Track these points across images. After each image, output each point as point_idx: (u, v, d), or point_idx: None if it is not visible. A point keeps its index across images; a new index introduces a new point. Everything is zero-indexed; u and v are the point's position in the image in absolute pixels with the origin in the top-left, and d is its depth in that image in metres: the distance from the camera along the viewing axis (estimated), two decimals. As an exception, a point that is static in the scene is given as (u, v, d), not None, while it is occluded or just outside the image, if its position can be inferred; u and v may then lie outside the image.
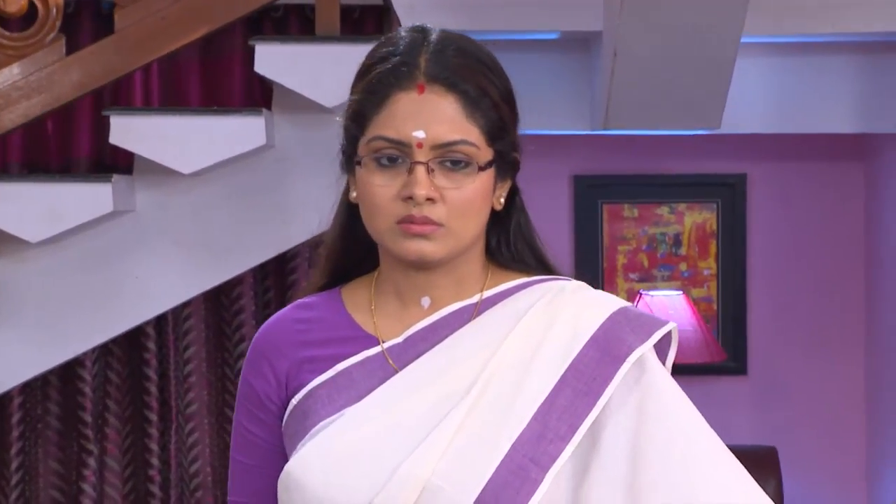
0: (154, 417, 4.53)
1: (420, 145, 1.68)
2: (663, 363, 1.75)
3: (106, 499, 4.59)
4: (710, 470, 1.69)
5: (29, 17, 3.82)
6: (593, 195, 5.15)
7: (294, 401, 1.75)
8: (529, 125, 4.39)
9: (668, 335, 1.76)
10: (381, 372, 1.74)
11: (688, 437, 1.70)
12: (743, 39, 3.76)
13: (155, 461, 4.54)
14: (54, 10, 3.80)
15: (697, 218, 5.17)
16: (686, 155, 5.13)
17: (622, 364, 1.70)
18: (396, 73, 1.70)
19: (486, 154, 1.70)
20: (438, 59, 1.70)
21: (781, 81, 4.35)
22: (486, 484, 1.65)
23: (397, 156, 1.69)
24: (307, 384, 1.75)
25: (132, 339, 4.46)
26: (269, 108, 4.05)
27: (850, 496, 5.15)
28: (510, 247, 1.79)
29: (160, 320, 4.39)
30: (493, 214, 1.75)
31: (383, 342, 1.76)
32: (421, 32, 1.74)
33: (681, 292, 4.83)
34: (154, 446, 4.54)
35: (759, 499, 1.71)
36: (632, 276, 5.16)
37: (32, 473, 4.65)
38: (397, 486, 1.65)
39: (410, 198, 1.68)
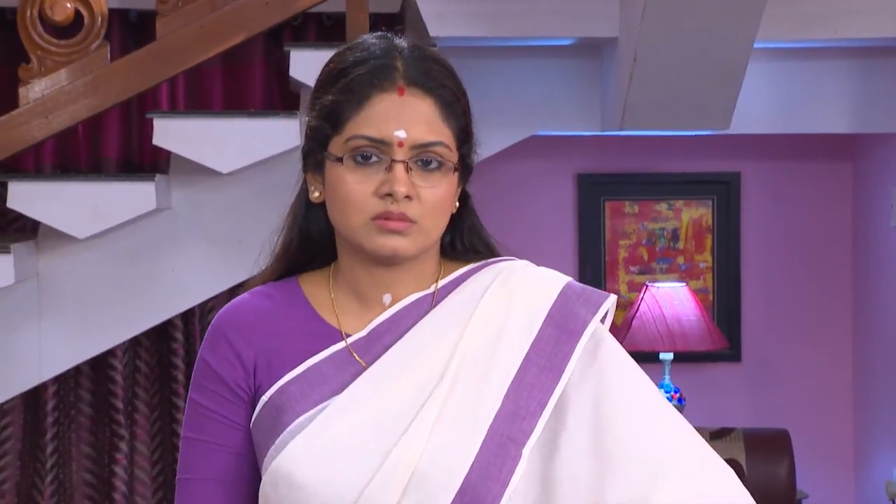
0: (181, 404, 4.62)
1: (401, 144, 1.70)
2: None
3: (136, 481, 4.68)
4: (668, 429, 1.73)
5: (75, 25, 3.89)
6: (596, 192, 5.26)
7: (265, 397, 1.74)
8: (542, 127, 4.52)
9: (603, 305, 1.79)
10: (350, 366, 1.74)
11: (645, 401, 1.75)
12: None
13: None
14: (99, 19, 3.87)
15: (694, 214, 5.29)
16: (684, 155, 5.23)
17: (580, 338, 1.75)
18: (376, 75, 1.71)
19: (455, 156, 1.74)
20: (414, 63, 1.73)
21: (777, 84, 4.43)
22: (471, 465, 1.68)
23: (375, 154, 1.71)
24: (277, 380, 1.74)
25: (160, 331, 4.54)
26: (290, 110, 4.13)
27: (838, 476, 5.24)
28: (464, 243, 1.81)
29: (186, 312, 4.46)
30: (457, 215, 1.79)
31: (347, 336, 1.76)
32: (390, 39, 1.77)
33: (684, 284, 4.93)
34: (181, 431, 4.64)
35: (710, 453, 1.74)
36: (632, 268, 5.28)
37: (66, 458, 4.73)
38: (387, 474, 1.67)
39: (389, 195, 1.69)
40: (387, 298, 1.78)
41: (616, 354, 1.78)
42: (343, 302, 1.79)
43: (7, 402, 4.54)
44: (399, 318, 1.77)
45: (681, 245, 5.27)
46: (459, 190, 1.78)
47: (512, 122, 4.35)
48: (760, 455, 3.80)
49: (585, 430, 1.72)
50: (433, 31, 4.00)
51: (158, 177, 3.96)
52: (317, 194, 1.77)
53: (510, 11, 4.05)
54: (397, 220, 1.71)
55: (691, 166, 5.25)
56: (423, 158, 1.72)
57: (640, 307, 4.83)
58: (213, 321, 1.81)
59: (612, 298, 1.81)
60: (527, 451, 1.71)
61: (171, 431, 4.66)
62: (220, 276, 4.07)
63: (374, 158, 1.71)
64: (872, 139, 5.05)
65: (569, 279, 1.82)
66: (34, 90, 3.85)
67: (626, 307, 5.09)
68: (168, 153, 4.06)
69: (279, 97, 4.68)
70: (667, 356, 4.79)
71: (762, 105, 4.43)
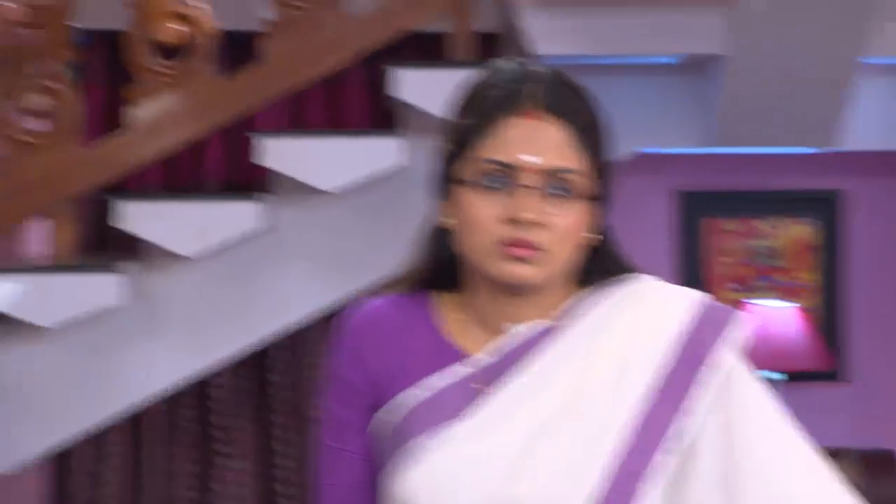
0: (279, 421, 4.63)
1: (530, 170, 1.66)
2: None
3: (236, 500, 4.70)
4: (803, 474, 1.69)
5: (181, 46, 3.90)
6: (697, 210, 5.22)
7: (386, 411, 1.73)
8: (643, 144, 4.48)
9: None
10: (471, 393, 1.71)
11: (778, 434, 1.70)
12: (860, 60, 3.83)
13: (279, 461, 4.64)
14: (205, 40, 3.89)
15: (797, 232, 5.22)
16: (786, 172, 5.18)
17: (710, 367, 1.69)
18: (510, 100, 1.69)
19: (588, 184, 1.70)
20: (550, 89, 1.69)
21: (888, 101, 4.40)
22: (589, 500, 1.64)
23: (505, 179, 1.67)
24: (398, 394, 1.73)
25: (259, 353, 4.55)
26: (388, 128, 4.14)
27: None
28: (597, 267, 1.76)
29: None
30: (592, 243, 1.73)
31: (472, 361, 1.73)
32: (525, 64, 1.74)
33: (789, 303, 4.87)
34: (279, 448, 4.65)
35: (843, 489, 1.70)
36: (732, 286, 5.23)
37: (168, 476, 4.76)
38: None
39: (516, 220, 1.66)
40: (511, 327, 1.73)
41: (749, 384, 1.72)
42: (469, 326, 1.75)
43: (115, 420, 4.57)
44: (524, 346, 1.73)
45: (782, 263, 5.20)
46: (600, 221, 1.74)
47: (613, 140, 4.31)
48: (872, 476, 3.74)
49: (714, 464, 1.68)
50: (538, 49, 3.99)
51: (262, 196, 3.97)
52: (446, 219, 1.74)
53: (614, 29, 4.04)
54: (523, 247, 1.67)
55: (794, 184, 5.19)
56: (553, 185, 1.68)
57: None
58: (346, 324, 1.79)
59: (744, 319, 1.75)
60: (652, 487, 1.67)
61: (270, 450, 4.67)
62: (321, 295, 4.06)
63: (503, 183, 1.68)
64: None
65: (703, 299, 1.76)
66: (140, 111, 3.87)
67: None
68: (270, 173, 4.07)
69: (377, 116, 4.68)
70: (772, 375, 4.73)
71: (877, 121, 4.36)
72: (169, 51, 3.94)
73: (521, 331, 1.73)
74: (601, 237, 1.75)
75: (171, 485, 4.77)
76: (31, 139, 3.82)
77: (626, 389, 1.69)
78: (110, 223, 3.97)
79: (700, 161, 5.10)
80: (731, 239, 5.22)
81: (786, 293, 5.18)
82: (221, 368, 4.41)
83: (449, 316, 1.77)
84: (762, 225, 5.22)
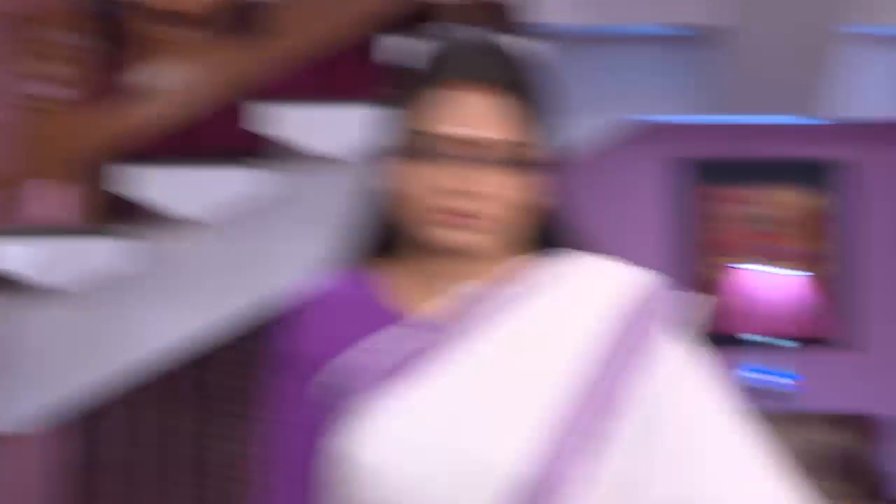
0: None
1: (468, 141, 1.67)
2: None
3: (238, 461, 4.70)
4: (732, 437, 1.71)
5: (179, 14, 3.90)
6: (691, 177, 5.19)
7: (333, 378, 1.73)
8: (633, 111, 4.46)
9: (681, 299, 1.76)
10: (420, 354, 1.72)
11: (715, 405, 1.72)
12: (862, 30, 3.79)
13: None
14: (204, 8, 3.87)
15: (800, 200, 5.19)
16: (783, 140, 5.15)
17: (656, 337, 1.71)
18: (441, 70, 1.69)
19: (530, 153, 1.70)
20: (491, 60, 1.70)
21: (875, 70, 4.36)
22: (540, 459, 1.66)
23: (445, 150, 1.68)
24: (346, 364, 1.73)
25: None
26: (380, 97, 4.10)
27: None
28: (547, 237, 1.77)
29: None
30: (533, 209, 1.74)
31: (419, 324, 1.74)
32: (473, 35, 1.74)
33: (792, 271, 4.83)
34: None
35: (771, 465, 1.72)
36: (723, 252, 5.20)
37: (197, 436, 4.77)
38: (455, 463, 1.66)
39: (456, 191, 1.67)
40: (458, 289, 1.74)
41: (692, 355, 1.74)
42: (415, 291, 1.76)
43: (117, 385, 4.56)
44: (472, 308, 1.73)
45: (792, 231, 5.16)
46: (545, 186, 1.75)
47: (607, 108, 4.31)
48: (881, 441, 3.71)
49: (656, 430, 1.69)
50: (531, 17, 3.96)
51: (260, 162, 3.96)
52: (390, 183, 1.75)
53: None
54: (463, 215, 1.68)
55: (791, 151, 5.16)
56: (494, 156, 1.68)
57: (732, 291, 4.75)
58: (289, 304, 1.80)
59: (693, 299, 1.78)
60: (603, 447, 1.68)
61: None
62: (320, 257, 4.04)
63: (444, 154, 1.68)
64: None
65: (650, 276, 1.77)
66: (139, 78, 3.85)
67: (713, 290, 5.01)
68: (271, 140, 4.06)
69: (373, 84, 4.65)
70: (781, 341, 4.69)
71: (882, 91, 4.33)
72: (167, 19, 3.93)
73: (464, 293, 1.74)
74: (543, 204, 1.76)
75: (198, 447, 4.77)
76: (38, 104, 3.82)
77: (565, 354, 1.70)
78: (115, 189, 3.96)
79: (695, 130, 5.07)
80: (723, 206, 5.19)
81: (778, 260, 5.15)
82: (229, 330, 4.40)
83: (392, 282, 1.77)
84: (755, 193, 5.18)
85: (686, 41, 4.25)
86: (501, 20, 4.57)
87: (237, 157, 4.60)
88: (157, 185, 3.91)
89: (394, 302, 1.76)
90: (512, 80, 1.70)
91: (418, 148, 1.69)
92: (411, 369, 1.71)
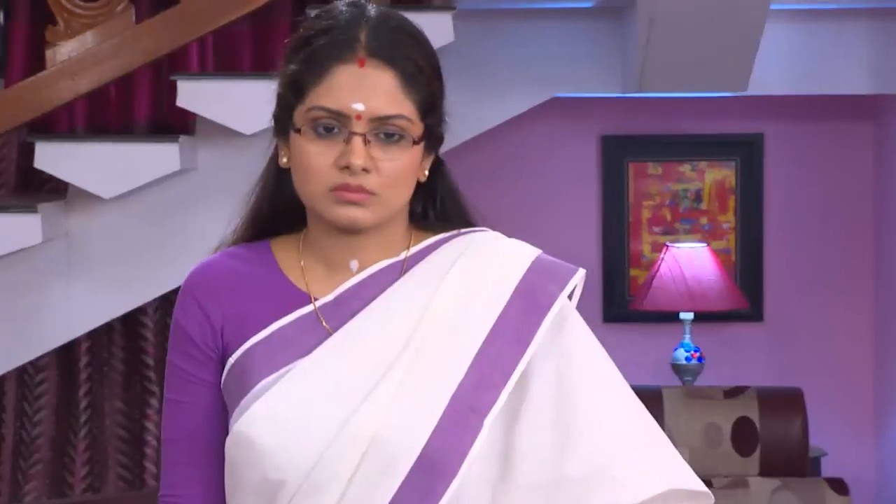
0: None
1: (359, 117, 1.65)
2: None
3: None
4: (625, 406, 1.73)
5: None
6: (619, 154, 5.18)
7: (232, 359, 1.72)
8: (562, 89, 4.45)
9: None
10: (316, 331, 1.71)
11: (605, 378, 1.73)
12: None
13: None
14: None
15: (717, 175, 5.21)
16: (707, 116, 5.16)
17: (546, 313, 1.71)
18: (337, 46, 1.67)
19: (418, 128, 1.69)
20: (378, 34, 1.68)
21: (798, 46, 4.36)
22: (432, 433, 1.65)
23: (335, 126, 1.66)
24: (244, 342, 1.71)
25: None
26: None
27: (859, 433, 5.19)
28: (436, 211, 1.77)
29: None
30: (418, 183, 1.73)
31: (315, 301, 1.72)
32: (360, 7, 1.71)
33: (705, 244, 4.86)
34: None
35: (658, 429, 1.74)
36: (656, 229, 5.20)
37: (99, 412, 4.71)
38: (346, 440, 1.64)
39: (347, 167, 1.65)
40: (354, 265, 1.74)
41: (580, 331, 1.74)
42: (312, 267, 1.75)
43: (41, 358, 4.52)
44: (367, 284, 1.73)
45: (704, 206, 5.19)
46: (430, 159, 1.74)
47: (533, 84, 4.29)
48: (774, 413, 3.73)
49: (547, 404, 1.70)
50: (457, -5, 3.93)
51: (183, 138, 3.92)
52: (285, 160, 1.73)
53: (530, -27, 3.98)
54: (355, 191, 1.67)
55: (714, 127, 5.18)
56: (382, 131, 1.67)
57: (661, 267, 4.76)
58: (183, 281, 1.77)
59: (581, 274, 1.77)
60: (488, 421, 1.67)
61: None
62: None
63: (334, 130, 1.67)
64: (894, 100, 4.95)
65: (539, 253, 1.77)
66: (61, 52, 3.81)
67: (647, 267, 5.02)
68: (196, 115, 4.01)
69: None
70: (687, 315, 4.74)
71: (783, 66, 4.36)
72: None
73: (364, 269, 1.74)
74: (435, 180, 1.76)
75: (102, 422, 4.73)
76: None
77: (466, 329, 1.70)
78: (33, 164, 3.90)
79: (624, 105, 5.06)
80: (654, 182, 5.19)
81: (707, 235, 5.17)
82: (147, 305, 4.36)
83: (291, 258, 1.76)
84: (685, 168, 5.19)
85: (606, 15, 4.23)
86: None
87: (158, 131, 4.57)
88: (75, 160, 3.84)
89: (292, 277, 1.74)
90: (409, 56, 1.69)
91: (311, 123, 1.67)
92: (305, 347, 1.70)
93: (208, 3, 3.84)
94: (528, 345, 1.70)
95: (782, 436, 3.69)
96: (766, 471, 3.72)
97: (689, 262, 4.70)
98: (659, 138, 5.18)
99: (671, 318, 4.84)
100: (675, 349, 4.79)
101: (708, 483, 3.66)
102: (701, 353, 4.74)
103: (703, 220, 5.20)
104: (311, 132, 1.67)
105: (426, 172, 1.74)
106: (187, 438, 1.75)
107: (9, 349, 3.92)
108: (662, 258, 4.77)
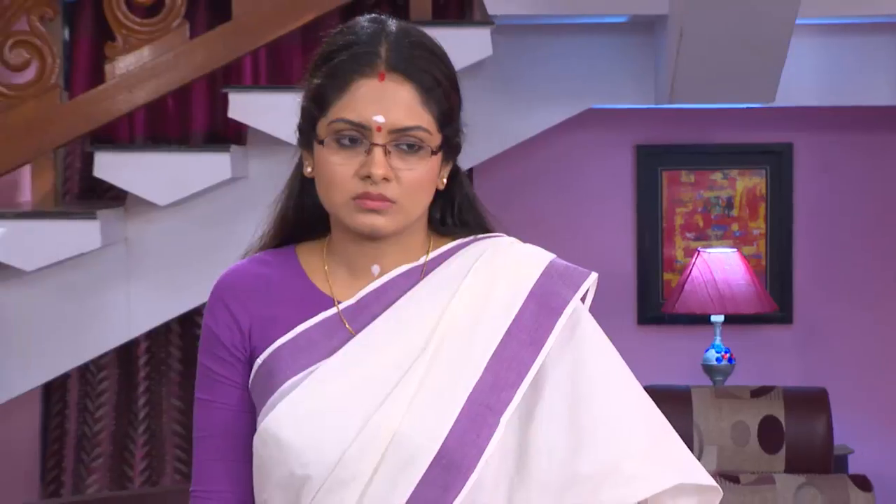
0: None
1: (379, 129, 1.66)
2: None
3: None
4: (636, 405, 1.73)
5: (156, 5, 3.87)
6: (654, 163, 5.16)
7: (259, 360, 1.72)
8: (597, 101, 4.43)
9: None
10: (339, 333, 1.72)
11: (617, 378, 1.73)
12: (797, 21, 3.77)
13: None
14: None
15: (748, 183, 5.17)
16: (738, 126, 5.13)
17: (560, 315, 1.72)
18: (359, 61, 1.68)
19: (436, 139, 1.70)
20: (398, 49, 1.69)
21: (825, 59, 4.34)
22: (450, 430, 1.65)
23: (356, 137, 1.67)
24: (271, 344, 1.72)
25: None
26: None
27: (884, 432, 5.14)
28: (454, 217, 1.78)
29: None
30: (436, 191, 1.74)
31: (339, 304, 1.73)
32: (380, 23, 1.72)
33: (735, 250, 4.83)
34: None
35: (669, 427, 1.74)
36: (688, 235, 5.17)
37: (157, 409, 4.75)
38: (368, 437, 1.65)
39: (368, 176, 1.66)
40: (375, 269, 1.75)
41: (593, 333, 1.75)
42: (335, 271, 1.76)
43: (102, 357, 4.55)
44: (388, 288, 1.74)
45: (735, 213, 5.16)
46: (448, 168, 1.75)
47: (570, 96, 4.28)
48: (799, 412, 3.70)
49: (561, 403, 1.70)
50: (491, 9, 3.92)
51: (234, 148, 3.94)
52: (309, 169, 1.74)
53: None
54: (376, 199, 1.68)
55: (745, 137, 5.15)
56: (402, 142, 1.68)
57: (693, 272, 4.73)
58: (213, 286, 1.78)
59: (593, 277, 1.77)
60: (504, 419, 1.68)
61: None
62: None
63: (356, 141, 1.68)
64: (920, 111, 4.91)
65: (553, 257, 1.78)
66: (119, 66, 3.84)
67: (680, 271, 4.99)
68: (248, 126, 4.02)
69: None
70: (717, 318, 4.71)
71: (811, 78, 4.33)
72: (146, 9, 3.90)
73: (385, 273, 1.74)
74: (455, 185, 1.78)
75: (160, 418, 4.75)
76: (14, 92, 3.79)
77: (483, 331, 1.70)
78: (92, 173, 3.93)
79: (658, 116, 5.04)
80: (687, 190, 5.16)
81: (738, 241, 5.13)
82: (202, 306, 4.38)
83: (315, 263, 1.77)
84: (717, 177, 5.16)
85: (639, 30, 4.22)
86: (460, 13, 4.54)
87: (213, 141, 4.59)
88: (132, 169, 3.87)
89: (317, 281, 1.75)
90: (427, 70, 1.70)
91: (334, 135, 1.68)
92: (329, 348, 1.71)
93: (259, 18, 3.86)
94: (542, 346, 1.70)
95: (807, 434, 3.66)
96: (791, 467, 3.68)
97: (720, 266, 4.67)
98: (692, 148, 5.15)
99: (703, 320, 4.82)
100: (707, 350, 4.76)
101: (735, 479, 3.64)
102: (731, 355, 4.71)
103: (735, 227, 5.16)
104: (334, 143, 1.68)
105: (444, 180, 1.75)
106: (217, 436, 1.76)
107: (71, 349, 3.94)
108: (694, 263, 4.74)
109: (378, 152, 1.66)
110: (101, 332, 3.98)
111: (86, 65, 4.60)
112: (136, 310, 3.99)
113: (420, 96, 1.68)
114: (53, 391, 4.79)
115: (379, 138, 1.67)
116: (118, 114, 3.86)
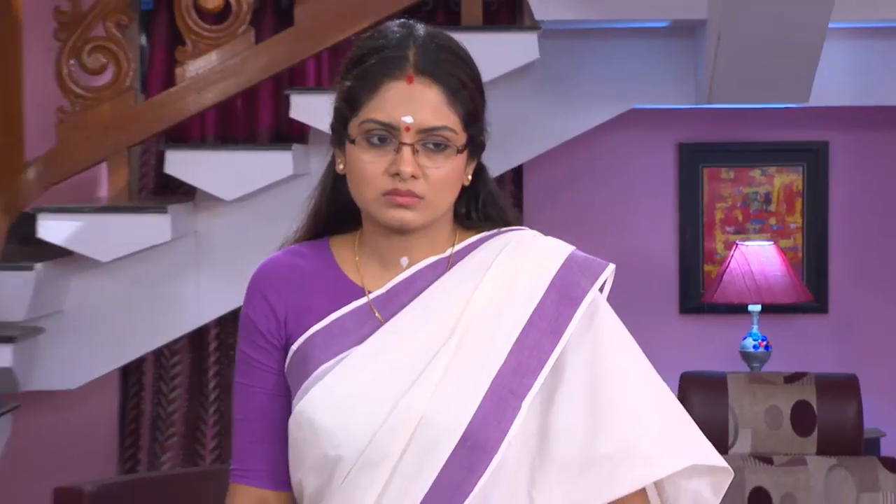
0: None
1: (408, 129, 1.68)
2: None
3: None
4: (652, 390, 1.74)
5: (224, 13, 3.93)
6: (695, 160, 5.17)
7: (294, 346, 1.74)
8: (640, 101, 4.45)
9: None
10: (370, 321, 1.73)
11: (634, 364, 1.75)
12: (829, 24, 3.76)
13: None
14: (245, 6, 3.90)
15: (785, 179, 5.17)
16: (776, 125, 5.12)
17: (579, 305, 1.73)
18: (388, 64, 1.69)
19: (462, 138, 1.71)
20: (425, 53, 1.70)
21: (858, 60, 4.31)
22: (474, 414, 1.67)
23: (386, 136, 1.68)
24: (306, 331, 1.74)
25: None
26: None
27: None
28: (479, 212, 1.80)
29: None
30: (462, 187, 1.76)
31: (369, 294, 1.75)
32: (408, 28, 1.73)
33: (771, 243, 4.83)
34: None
35: (684, 412, 1.75)
36: (728, 228, 5.18)
37: (227, 391, 4.81)
38: (397, 420, 1.67)
39: (397, 174, 1.68)
40: (404, 261, 1.77)
41: (610, 322, 1.76)
42: (366, 263, 1.78)
43: (175, 342, 4.62)
44: (416, 278, 1.76)
45: (773, 207, 5.16)
46: (473, 165, 1.77)
47: (613, 97, 4.29)
48: (830, 397, 3.69)
49: (580, 388, 1.72)
50: (538, 15, 3.95)
51: (296, 146, 3.98)
52: (341, 167, 1.76)
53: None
54: (405, 196, 1.70)
55: (783, 136, 5.15)
56: (430, 141, 1.70)
57: (731, 263, 4.75)
58: (251, 276, 1.80)
59: (611, 268, 1.78)
60: (526, 403, 1.70)
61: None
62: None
63: (385, 141, 1.70)
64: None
65: (573, 249, 1.79)
66: (189, 70, 3.90)
67: (720, 263, 5.00)
68: (306, 126, 4.07)
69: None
70: (755, 308, 4.71)
71: (844, 80, 4.32)
72: (214, 16, 3.96)
73: (413, 265, 1.76)
74: (479, 181, 1.79)
75: (230, 400, 4.81)
76: (92, 94, 3.86)
77: (506, 320, 1.72)
78: (164, 170, 3.99)
79: (699, 115, 5.05)
80: (727, 186, 5.17)
81: (776, 235, 5.13)
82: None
83: (347, 255, 1.79)
84: (755, 173, 5.16)
85: (680, 34, 4.22)
86: (511, 17, 4.57)
87: (279, 140, 4.65)
88: (200, 166, 3.93)
89: (349, 272, 1.77)
90: (453, 73, 1.71)
91: (365, 134, 1.70)
92: (360, 335, 1.73)
93: (320, 24, 3.91)
94: (561, 335, 1.72)
95: (838, 418, 3.65)
96: (822, 450, 3.68)
97: (757, 258, 4.68)
98: (732, 146, 5.16)
99: (741, 310, 4.83)
100: (744, 338, 4.77)
101: (769, 460, 3.65)
102: (768, 342, 4.72)
103: (772, 221, 5.16)
104: (365, 142, 1.70)
105: (469, 177, 1.77)
106: (254, 419, 1.78)
107: (146, 334, 4.00)
108: (732, 255, 4.76)
109: (407, 151, 1.69)
110: (172, 319, 4.04)
111: (161, 69, 4.68)
112: (204, 298, 4.04)
113: (446, 98, 1.70)
114: (130, 374, 4.86)
115: (407, 138, 1.69)
116: (188, 114, 3.93)
